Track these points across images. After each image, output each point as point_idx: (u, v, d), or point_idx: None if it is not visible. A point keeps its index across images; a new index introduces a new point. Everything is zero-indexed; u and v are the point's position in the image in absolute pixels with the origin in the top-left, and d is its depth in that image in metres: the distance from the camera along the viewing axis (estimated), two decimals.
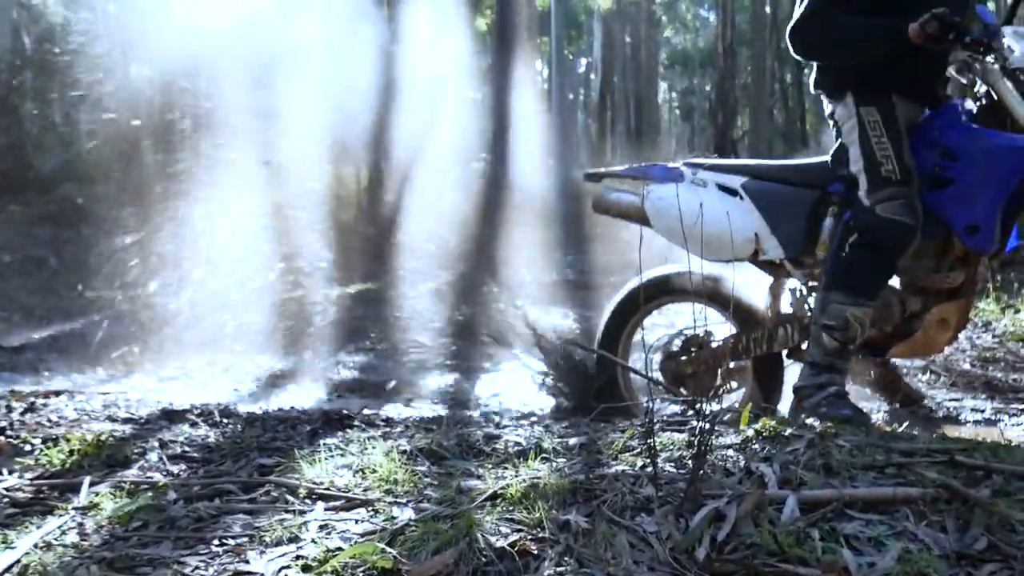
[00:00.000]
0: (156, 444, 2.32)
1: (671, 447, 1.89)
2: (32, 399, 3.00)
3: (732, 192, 2.84)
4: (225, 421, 2.70)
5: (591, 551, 1.39)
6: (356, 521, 1.59)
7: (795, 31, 2.60)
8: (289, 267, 6.89)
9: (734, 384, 2.96)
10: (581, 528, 1.46)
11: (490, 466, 1.90)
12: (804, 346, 2.75)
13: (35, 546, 1.53)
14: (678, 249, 2.76)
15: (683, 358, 2.95)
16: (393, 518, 1.58)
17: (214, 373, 4.55)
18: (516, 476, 1.76)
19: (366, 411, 3.08)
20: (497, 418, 2.91)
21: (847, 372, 2.61)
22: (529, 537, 1.44)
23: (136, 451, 2.24)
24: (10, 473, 2.04)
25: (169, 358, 4.75)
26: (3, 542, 1.56)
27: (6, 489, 1.90)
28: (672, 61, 29.78)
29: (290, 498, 1.73)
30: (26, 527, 1.64)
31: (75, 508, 1.75)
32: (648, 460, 1.68)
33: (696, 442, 1.61)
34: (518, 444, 2.11)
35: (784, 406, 2.72)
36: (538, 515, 1.50)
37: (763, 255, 2.80)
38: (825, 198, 2.74)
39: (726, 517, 1.44)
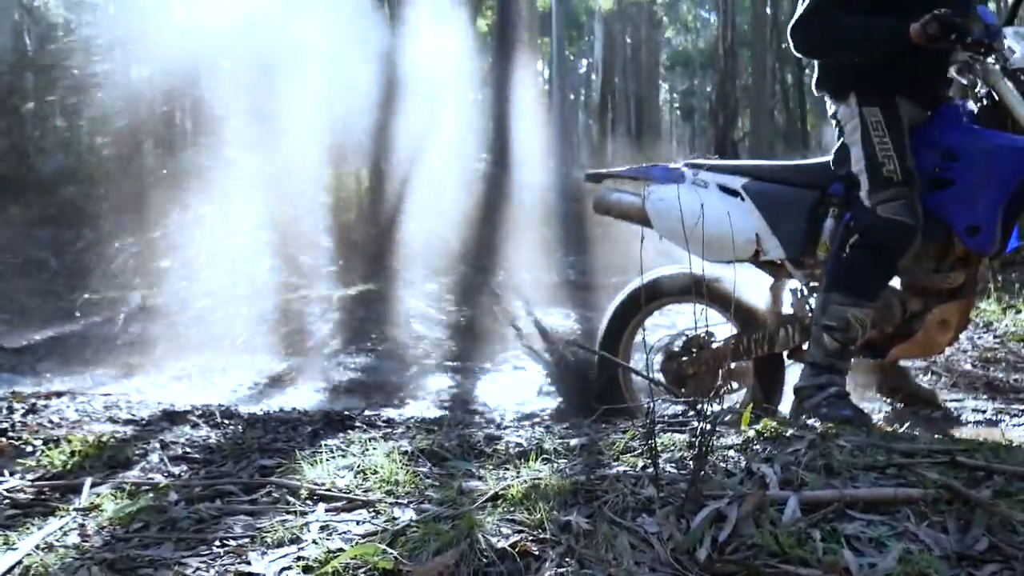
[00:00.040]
0: (157, 445, 2.32)
1: (672, 448, 1.89)
2: (33, 400, 3.00)
3: (733, 193, 2.84)
4: (226, 422, 2.70)
5: (592, 552, 1.39)
6: (357, 522, 1.59)
7: (796, 29, 2.61)
8: (290, 268, 6.89)
9: (735, 385, 2.96)
10: (582, 529, 1.46)
11: (491, 467, 1.90)
12: (805, 347, 2.75)
13: (36, 547, 1.53)
14: (679, 250, 2.76)
15: (684, 359, 2.95)
16: (394, 519, 1.58)
17: (215, 374, 4.55)
18: (517, 477, 1.76)
19: (367, 412, 3.08)
20: (498, 419, 2.91)
21: (848, 373, 2.61)
22: (530, 538, 1.44)
23: (137, 452, 2.25)
24: (11, 474, 2.05)
25: (170, 359, 4.75)
26: (4, 543, 1.56)
27: (7, 490, 1.90)
28: (673, 62, 29.78)
29: (291, 499, 1.74)
30: (27, 528, 1.64)
31: (76, 509, 1.75)
32: (649, 461, 1.68)
33: (697, 443, 1.62)
34: (519, 445, 2.11)
35: (785, 407, 2.72)
36: (539, 516, 1.50)
37: (764, 256, 2.80)
38: (826, 199, 2.74)
39: (727, 518, 1.44)
